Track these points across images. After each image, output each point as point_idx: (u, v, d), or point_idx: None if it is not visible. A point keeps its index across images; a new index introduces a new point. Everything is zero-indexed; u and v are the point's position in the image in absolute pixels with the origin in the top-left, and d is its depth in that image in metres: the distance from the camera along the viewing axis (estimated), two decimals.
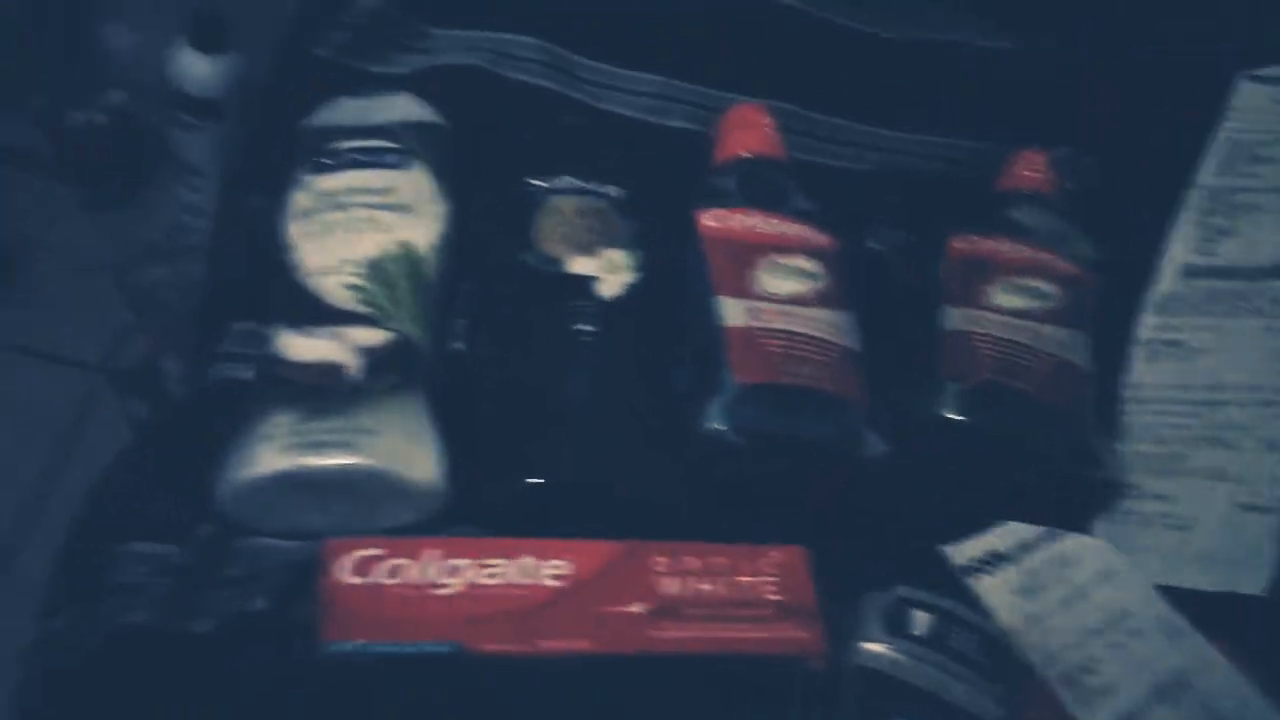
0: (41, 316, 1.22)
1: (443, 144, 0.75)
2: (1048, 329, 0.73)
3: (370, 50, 0.84)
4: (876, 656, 0.66)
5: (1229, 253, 0.76)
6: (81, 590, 0.66)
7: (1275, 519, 0.69)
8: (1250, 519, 0.70)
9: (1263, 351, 0.73)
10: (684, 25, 0.86)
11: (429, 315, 0.70)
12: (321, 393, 0.66)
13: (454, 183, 0.74)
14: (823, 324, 0.71)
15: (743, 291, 0.72)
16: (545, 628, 0.61)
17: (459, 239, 0.73)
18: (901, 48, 0.87)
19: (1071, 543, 0.71)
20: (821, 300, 0.72)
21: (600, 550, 0.64)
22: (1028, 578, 0.70)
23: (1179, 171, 0.79)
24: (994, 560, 0.70)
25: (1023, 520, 0.71)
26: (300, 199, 0.72)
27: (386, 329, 0.68)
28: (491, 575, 0.62)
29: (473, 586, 0.62)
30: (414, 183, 0.73)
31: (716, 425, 0.68)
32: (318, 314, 0.68)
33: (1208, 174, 0.79)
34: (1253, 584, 0.69)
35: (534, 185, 0.75)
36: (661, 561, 0.64)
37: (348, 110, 0.76)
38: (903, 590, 0.67)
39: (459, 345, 0.72)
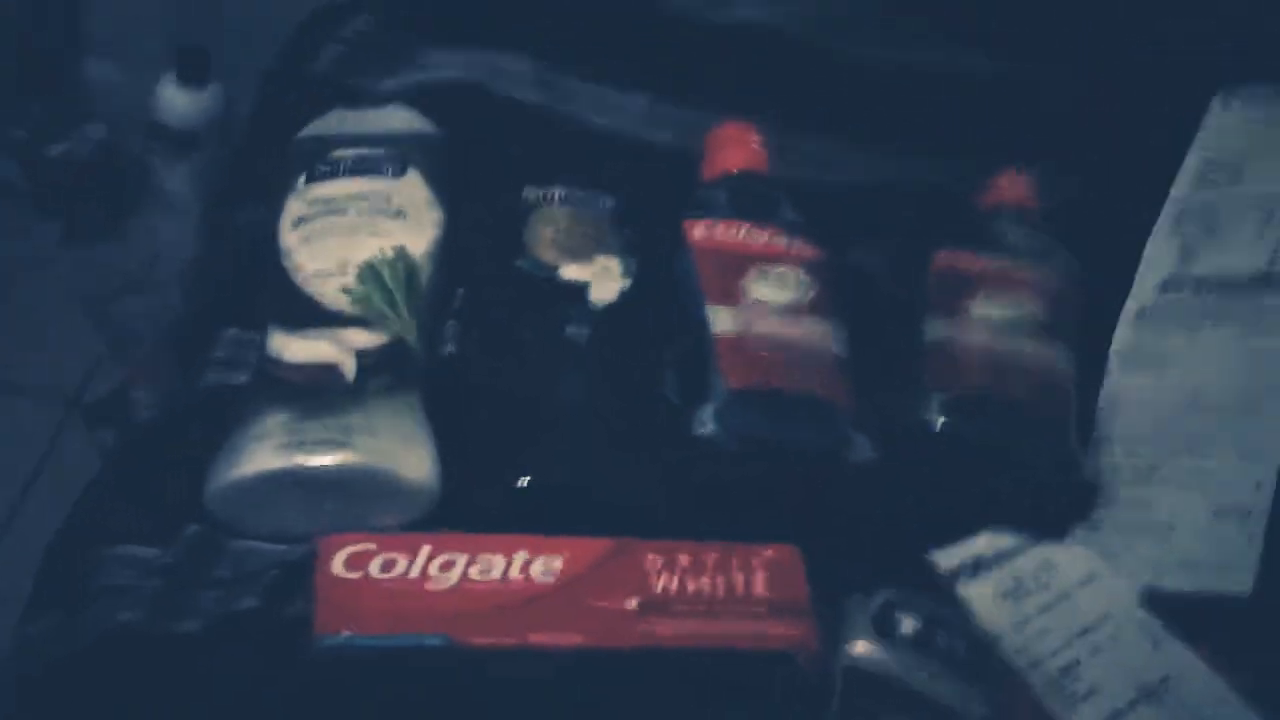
0: (15, 346, 1.22)
1: (438, 154, 0.76)
2: (1029, 340, 0.75)
3: (364, 68, 0.85)
4: (864, 657, 0.66)
5: (1204, 265, 0.78)
6: (68, 592, 0.66)
7: (1254, 523, 0.70)
8: (1229, 523, 0.71)
9: (1238, 361, 0.74)
10: (672, 48, 0.88)
11: (423, 319, 0.71)
12: (316, 393, 0.67)
13: (448, 191, 0.75)
14: (811, 331, 0.73)
15: (732, 299, 0.73)
16: (536, 622, 0.62)
17: (453, 246, 0.74)
18: (884, 71, 0.89)
19: (1054, 549, 0.72)
20: (809, 309, 0.73)
21: (592, 546, 0.64)
22: (1011, 583, 0.71)
23: (1155, 188, 0.81)
24: (978, 565, 0.71)
25: (1005, 526, 0.72)
26: (296, 205, 0.73)
27: (381, 331, 0.69)
28: (483, 570, 0.63)
29: (464, 581, 0.62)
30: (409, 190, 0.74)
31: (708, 429, 0.69)
32: (313, 316, 0.69)
33: (1183, 189, 0.81)
34: (1236, 585, 0.70)
35: (528, 193, 0.77)
36: (654, 558, 0.65)
37: (344, 120, 0.77)
38: (889, 592, 0.68)
39: (451, 349, 0.72)
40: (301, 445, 0.65)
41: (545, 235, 0.75)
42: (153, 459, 0.71)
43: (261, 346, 0.69)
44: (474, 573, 0.63)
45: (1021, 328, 0.75)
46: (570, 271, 0.74)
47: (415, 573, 0.62)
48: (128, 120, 1.21)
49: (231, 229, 0.81)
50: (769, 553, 0.66)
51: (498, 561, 0.63)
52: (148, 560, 0.66)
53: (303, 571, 0.63)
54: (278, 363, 0.68)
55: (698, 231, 0.75)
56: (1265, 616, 0.69)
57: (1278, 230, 0.78)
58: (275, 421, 0.66)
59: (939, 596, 0.69)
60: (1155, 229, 0.81)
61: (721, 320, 0.72)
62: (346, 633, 0.60)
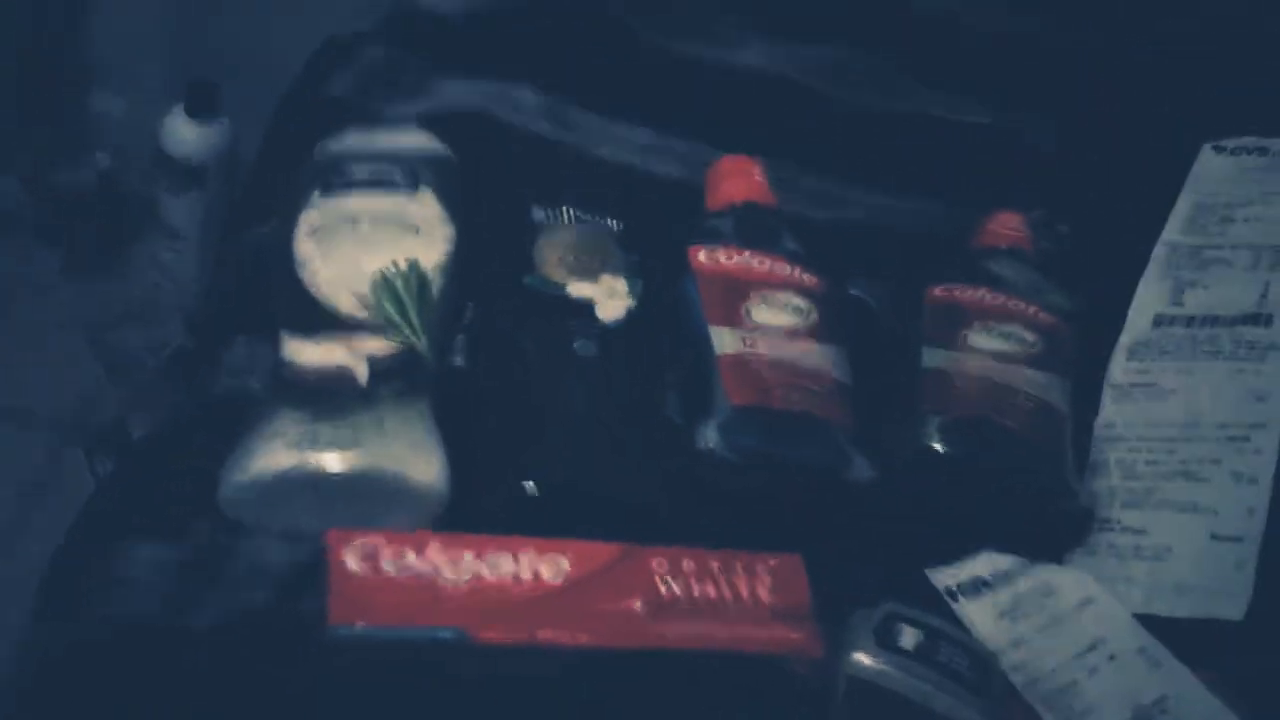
0: (14, 374, 1.22)
1: (450, 174, 0.78)
2: (1024, 370, 0.76)
3: (377, 95, 0.87)
4: (865, 668, 0.67)
5: (1196, 304, 0.80)
6: (81, 587, 0.67)
7: (1248, 548, 0.72)
8: (1224, 548, 0.72)
9: (1230, 390, 0.76)
10: (678, 87, 0.90)
11: (433, 330, 0.72)
12: (329, 396, 0.68)
13: (460, 210, 0.76)
14: (812, 355, 0.74)
15: (735, 322, 0.74)
16: (545, 621, 0.63)
17: (464, 262, 0.75)
18: (882, 117, 0.92)
19: (1053, 571, 0.74)
20: (810, 334, 0.75)
21: (601, 550, 0.66)
22: (1010, 603, 0.72)
23: (1145, 232, 0.84)
24: (978, 586, 0.72)
25: (1002, 549, 0.73)
26: (313, 216, 0.74)
27: (393, 339, 0.70)
28: (494, 570, 0.64)
29: (475, 579, 0.63)
30: (422, 206, 0.75)
31: (710, 445, 0.71)
32: (327, 322, 0.71)
33: (1174, 233, 0.84)
34: (1230, 611, 0.71)
35: (537, 214, 0.78)
36: (659, 562, 0.66)
37: (359, 139, 0.79)
38: (892, 605, 0.69)
39: (460, 361, 0.74)
40: (314, 446, 0.67)
41: (553, 254, 0.77)
42: (167, 459, 0.72)
43: (275, 352, 0.70)
44: (485, 571, 0.64)
45: (1017, 357, 0.77)
46: (578, 289, 0.76)
47: (426, 569, 0.63)
48: (132, 151, 1.22)
49: (242, 244, 0.82)
50: (772, 560, 0.67)
51: (507, 561, 0.64)
52: (161, 556, 0.67)
53: (315, 568, 0.64)
54: (291, 366, 0.69)
55: (702, 256, 0.77)
56: (1259, 641, 0.70)
57: (1265, 273, 0.81)
58: (288, 422, 0.67)
59: (941, 610, 0.70)
60: (1146, 271, 0.83)
61: (724, 341, 0.73)
62: (360, 624, 0.61)
